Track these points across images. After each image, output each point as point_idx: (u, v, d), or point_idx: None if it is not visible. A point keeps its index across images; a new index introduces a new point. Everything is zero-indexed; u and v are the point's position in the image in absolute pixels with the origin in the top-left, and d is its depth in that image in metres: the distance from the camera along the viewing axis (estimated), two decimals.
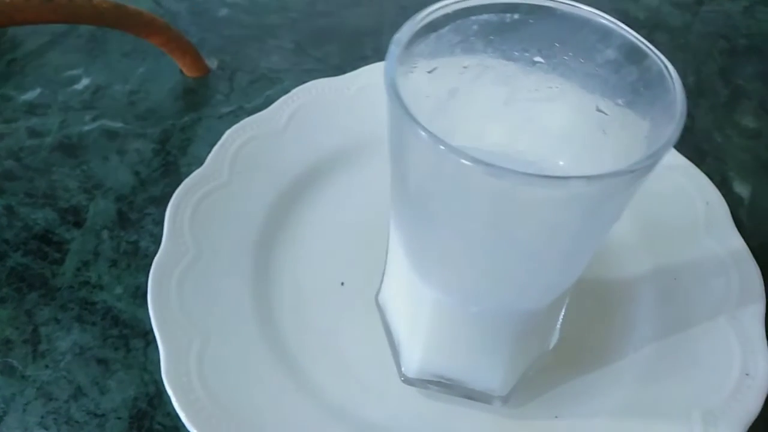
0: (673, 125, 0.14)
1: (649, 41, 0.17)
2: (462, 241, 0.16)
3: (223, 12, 0.40)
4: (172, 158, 0.31)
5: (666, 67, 0.16)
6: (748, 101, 0.37)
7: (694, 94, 0.37)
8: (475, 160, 0.14)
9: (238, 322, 0.24)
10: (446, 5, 0.17)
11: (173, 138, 0.32)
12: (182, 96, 0.34)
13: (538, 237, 0.15)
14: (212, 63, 0.36)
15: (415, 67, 0.18)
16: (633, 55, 0.17)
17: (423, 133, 0.14)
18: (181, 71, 0.35)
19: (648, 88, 0.16)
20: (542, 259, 0.16)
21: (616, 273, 0.26)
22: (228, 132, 0.29)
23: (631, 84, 0.17)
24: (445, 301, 0.19)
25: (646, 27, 0.40)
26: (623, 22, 0.17)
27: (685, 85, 0.38)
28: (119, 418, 0.23)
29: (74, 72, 0.35)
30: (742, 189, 0.32)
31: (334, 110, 0.31)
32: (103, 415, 0.23)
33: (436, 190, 0.16)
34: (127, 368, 0.24)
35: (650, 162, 0.14)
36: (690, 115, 0.37)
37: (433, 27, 0.17)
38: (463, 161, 0.14)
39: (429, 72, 0.19)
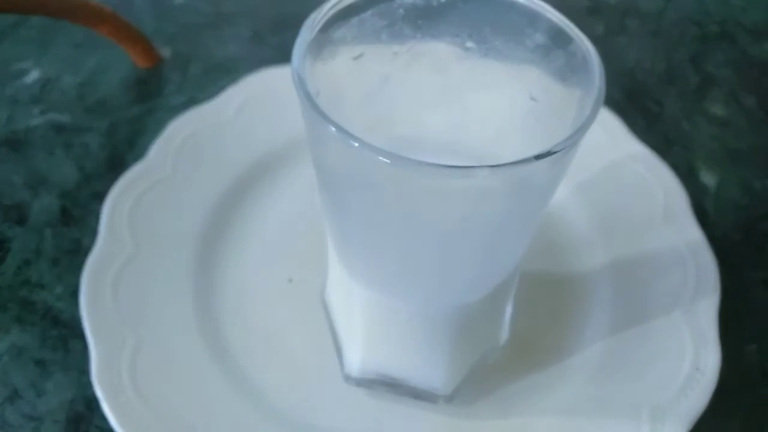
0: (587, 111, 0.13)
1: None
2: (378, 233, 0.16)
3: (180, 0, 0.39)
4: (119, 152, 0.30)
5: (588, 51, 0.15)
6: (718, 89, 0.36)
7: (663, 81, 0.36)
8: (380, 151, 0.13)
9: (175, 321, 0.23)
10: None
11: (121, 131, 0.31)
12: (133, 87, 0.33)
13: (452, 228, 0.15)
14: (166, 52, 0.35)
15: (336, 53, 0.17)
16: (559, 39, 0.16)
17: (331, 127, 0.14)
18: (133, 62, 0.34)
19: (574, 73, 0.15)
20: (461, 251, 0.15)
21: (571, 266, 0.26)
22: (173, 123, 0.28)
23: (559, 69, 0.16)
24: (375, 298, 0.18)
25: (618, 12, 0.39)
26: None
27: (655, 72, 0.36)
28: (56, 421, 0.22)
29: (24, 65, 0.34)
30: (708, 178, 0.31)
31: (285, 100, 0.29)
32: (39, 418, 0.23)
33: (347, 181, 0.15)
34: (65, 370, 0.24)
35: (561, 149, 0.13)
36: (659, 103, 0.36)
37: (353, 11, 0.17)
38: (369, 153, 0.13)
39: (355, 58, 0.18)
